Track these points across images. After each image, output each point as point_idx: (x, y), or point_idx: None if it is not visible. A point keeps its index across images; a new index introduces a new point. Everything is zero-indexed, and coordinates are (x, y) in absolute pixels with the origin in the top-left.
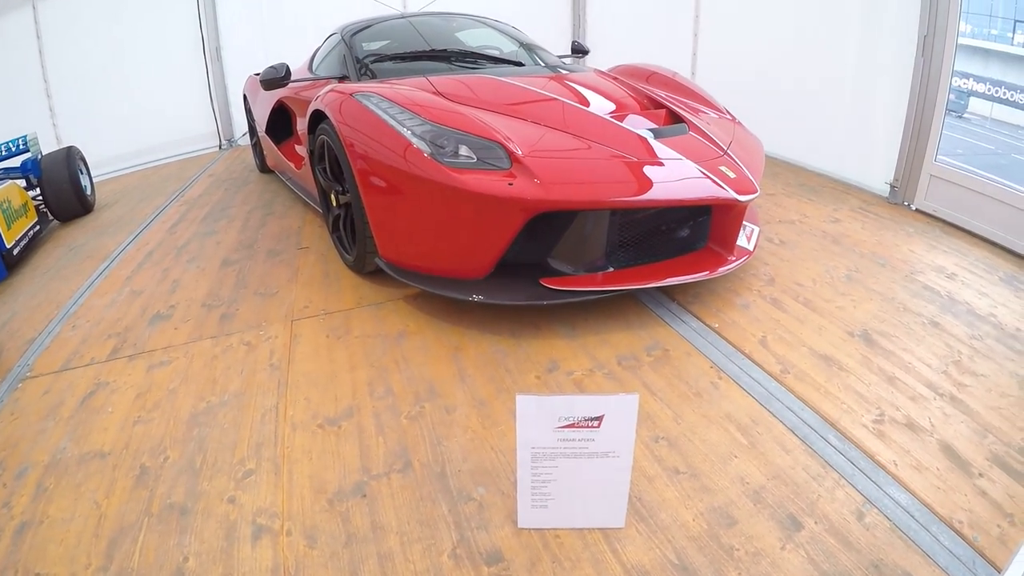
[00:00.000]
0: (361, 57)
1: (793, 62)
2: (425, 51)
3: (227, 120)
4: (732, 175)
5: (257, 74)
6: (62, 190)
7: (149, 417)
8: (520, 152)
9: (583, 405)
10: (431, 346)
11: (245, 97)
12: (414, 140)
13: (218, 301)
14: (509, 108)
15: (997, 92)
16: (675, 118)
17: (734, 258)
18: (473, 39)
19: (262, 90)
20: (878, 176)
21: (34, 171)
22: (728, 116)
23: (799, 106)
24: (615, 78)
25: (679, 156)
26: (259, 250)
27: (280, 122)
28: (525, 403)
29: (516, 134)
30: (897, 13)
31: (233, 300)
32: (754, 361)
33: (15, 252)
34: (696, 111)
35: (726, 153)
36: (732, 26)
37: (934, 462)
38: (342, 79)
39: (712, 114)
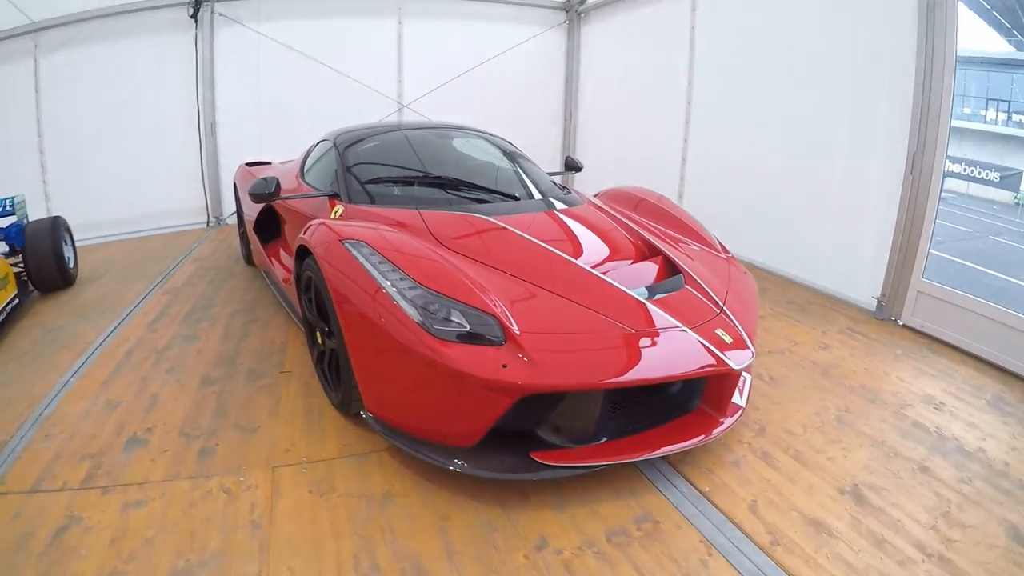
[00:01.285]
0: (353, 171)
1: (782, 175)
2: (420, 177)
3: (217, 197)
4: (728, 339)
5: (249, 164)
6: (44, 261)
7: (125, 570)
8: (516, 329)
9: None
10: (417, 514)
11: (235, 186)
12: (404, 304)
13: (197, 431)
14: (502, 260)
15: (972, 171)
16: (671, 266)
17: (727, 419)
18: (468, 155)
19: None
20: (865, 290)
21: (18, 240)
22: (721, 252)
23: (787, 218)
24: (610, 214)
25: (676, 324)
26: (240, 369)
27: (268, 221)
28: None
29: (509, 297)
30: (887, 130)
31: (212, 432)
32: (744, 532)
33: None
34: (685, 246)
35: (722, 311)
36: (721, 135)
37: None
38: (333, 197)
39: (696, 246)
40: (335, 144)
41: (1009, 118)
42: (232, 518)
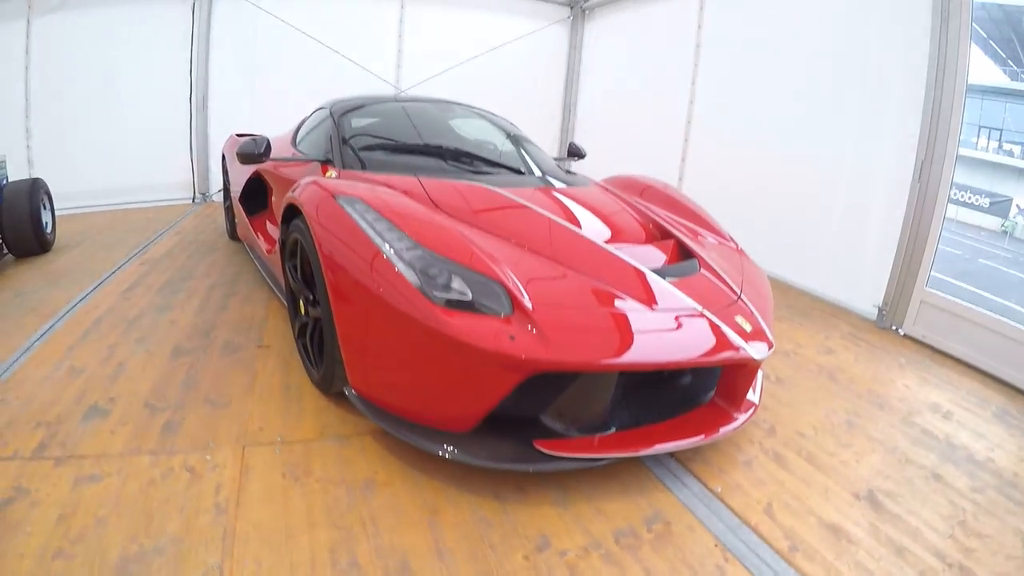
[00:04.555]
0: (348, 139)
1: (785, 180)
2: (418, 145)
3: (204, 173)
4: (748, 327)
5: (240, 135)
6: (21, 224)
7: (72, 551)
8: (526, 299)
9: None
10: (403, 505)
11: (224, 156)
12: (401, 266)
13: (163, 403)
14: (508, 229)
15: (963, 196)
16: (683, 250)
17: (741, 415)
18: (468, 130)
19: None
20: (866, 298)
21: None
22: (732, 244)
23: (788, 223)
24: (617, 196)
25: (695, 306)
26: (215, 341)
27: (255, 192)
28: None
29: (516, 265)
30: (895, 137)
31: (180, 405)
32: (761, 536)
33: None
34: (697, 235)
35: (740, 298)
36: (723, 137)
37: None
38: (326, 163)
39: (712, 239)
40: (331, 112)
41: (1000, 146)
42: (194, 500)
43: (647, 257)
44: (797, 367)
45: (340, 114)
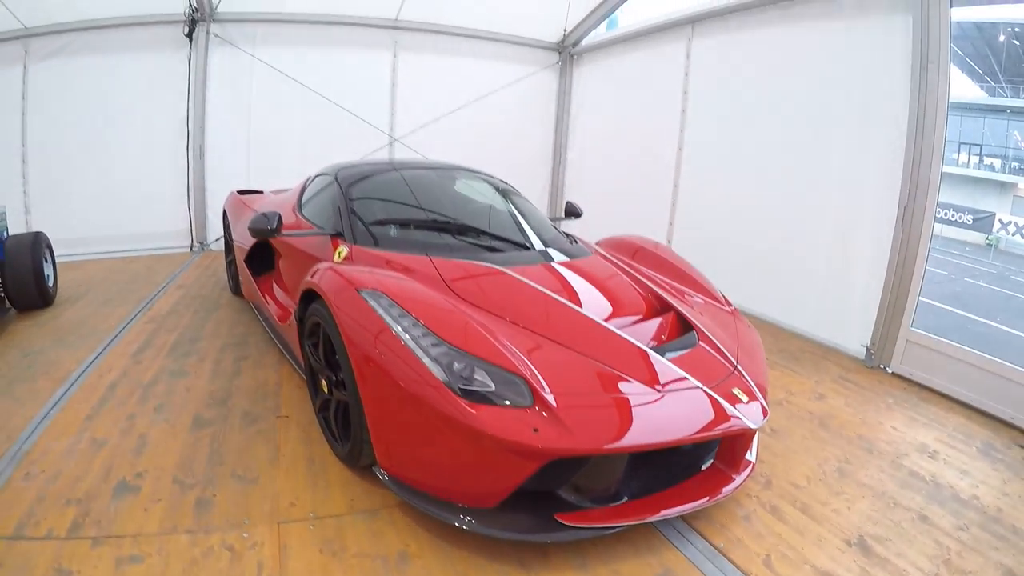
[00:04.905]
0: (357, 212)
1: (773, 219)
2: (427, 221)
3: (202, 221)
4: (745, 398)
5: (241, 192)
6: (23, 278)
7: None
8: (546, 390)
9: None
10: None
11: (225, 212)
12: (427, 361)
13: (192, 479)
14: (520, 313)
15: (946, 215)
16: (682, 320)
17: (740, 475)
18: (472, 197)
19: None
20: (854, 338)
21: None
22: (725, 306)
23: (777, 264)
24: (619, 266)
25: (696, 383)
26: (234, 410)
27: (261, 253)
28: None
29: (532, 354)
30: (877, 181)
31: (209, 480)
32: None
33: None
34: (690, 298)
35: (736, 368)
36: (711, 181)
37: None
38: (336, 236)
39: (700, 298)
40: (337, 180)
41: (981, 161)
42: None
43: (648, 333)
44: (790, 416)
45: (347, 184)
